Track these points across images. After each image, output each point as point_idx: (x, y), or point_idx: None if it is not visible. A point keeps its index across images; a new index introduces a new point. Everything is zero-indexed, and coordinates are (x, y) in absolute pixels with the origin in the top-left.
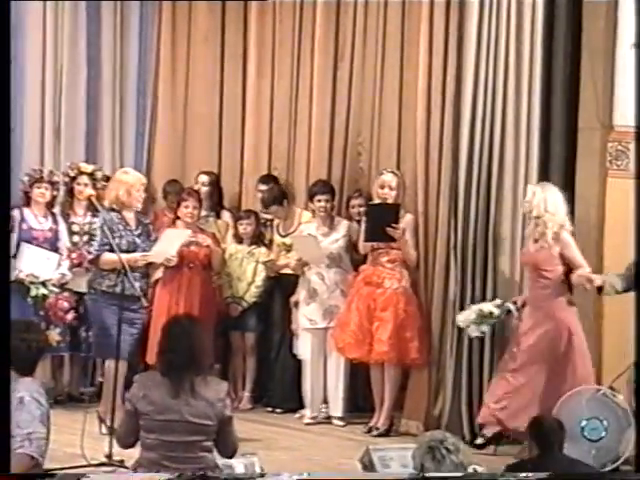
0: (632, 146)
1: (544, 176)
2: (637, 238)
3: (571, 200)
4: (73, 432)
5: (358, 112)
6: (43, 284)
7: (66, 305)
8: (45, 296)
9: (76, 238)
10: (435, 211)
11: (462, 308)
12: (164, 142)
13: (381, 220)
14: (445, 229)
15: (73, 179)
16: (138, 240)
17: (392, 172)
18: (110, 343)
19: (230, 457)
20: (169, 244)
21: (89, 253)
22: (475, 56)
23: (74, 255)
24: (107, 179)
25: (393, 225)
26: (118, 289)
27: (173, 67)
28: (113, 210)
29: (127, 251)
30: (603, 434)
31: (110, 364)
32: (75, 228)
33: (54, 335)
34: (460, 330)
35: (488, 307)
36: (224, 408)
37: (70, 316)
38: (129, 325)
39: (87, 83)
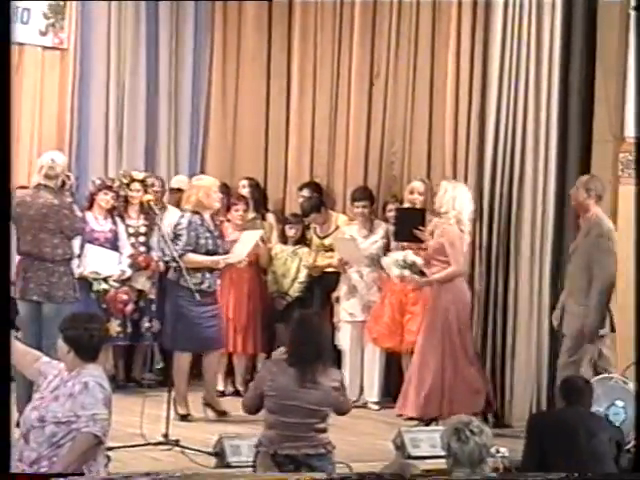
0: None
1: (560, 184)
2: (637, 243)
3: None
4: (133, 414)
5: (392, 124)
6: (105, 280)
7: (125, 298)
8: (106, 290)
9: (132, 239)
10: None
11: (487, 302)
12: (215, 151)
13: (408, 223)
14: (471, 231)
15: (127, 186)
16: (219, 241)
17: (421, 180)
18: (193, 336)
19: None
20: (244, 245)
21: (175, 250)
22: (498, 78)
23: (141, 258)
24: (162, 184)
25: (420, 227)
26: (204, 286)
27: (224, 84)
28: (195, 213)
29: (209, 251)
30: (624, 417)
31: (183, 356)
32: (130, 230)
33: (114, 326)
34: (485, 319)
35: (412, 257)
36: (339, 396)
37: (129, 308)
38: (209, 319)
39: (146, 99)
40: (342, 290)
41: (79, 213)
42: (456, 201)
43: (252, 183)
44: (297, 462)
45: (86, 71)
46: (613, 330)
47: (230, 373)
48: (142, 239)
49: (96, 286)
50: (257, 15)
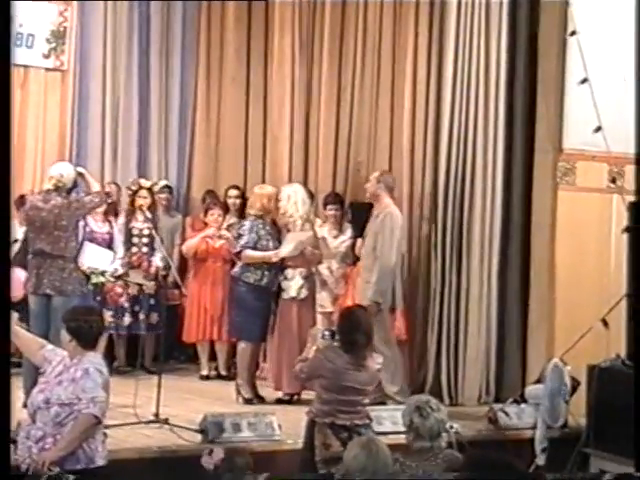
0: (578, 164)
1: (507, 188)
2: (630, 254)
3: (529, 206)
4: (128, 396)
5: (357, 138)
6: (102, 274)
7: (120, 291)
8: (103, 283)
9: (136, 240)
10: (419, 217)
11: (442, 296)
12: (201, 161)
13: (360, 216)
14: (426, 231)
15: (135, 192)
16: (278, 243)
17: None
18: (253, 328)
19: None
20: (294, 244)
21: (234, 248)
22: (451, 94)
23: (134, 258)
24: (170, 190)
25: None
26: (263, 282)
27: (208, 102)
28: (259, 217)
29: (268, 250)
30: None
31: (248, 345)
32: (135, 232)
33: (108, 317)
34: (441, 313)
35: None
36: (381, 376)
37: (123, 300)
38: (265, 312)
39: (139, 113)
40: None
41: (86, 197)
42: (298, 204)
43: (239, 193)
44: (348, 430)
45: (84, 90)
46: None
47: (213, 359)
48: (145, 240)
49: (94, 279)
50: (236, 38)
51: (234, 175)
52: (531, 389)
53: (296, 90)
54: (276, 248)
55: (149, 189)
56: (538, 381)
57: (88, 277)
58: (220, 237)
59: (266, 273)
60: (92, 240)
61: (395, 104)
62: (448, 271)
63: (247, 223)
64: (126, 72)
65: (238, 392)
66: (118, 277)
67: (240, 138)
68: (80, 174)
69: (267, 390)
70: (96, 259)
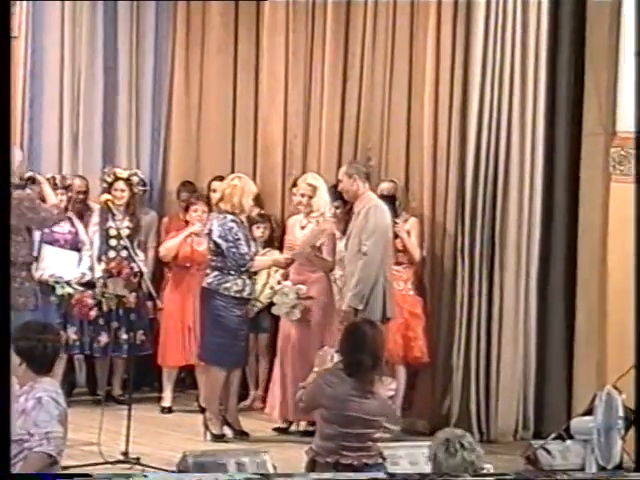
0: (634, 151)
1: (549, 180)
2: (637, 242)
3: (575, 203)
4: (91, 430)
5: (368, 119)
6: (68, 283)
7: (91, 302)
8: (70, 295)
9: (113, 242)
10: (443, 216)
11: (470, 309)
12: (179, 148)
13: None
14: (452, 233)
15: (110, 185)
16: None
17: (390, 180)
18: (231, 350)
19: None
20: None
21: (241, 256)
22: (481, 70)
23: (113, 264)
24: (144, 184)
25: (393, 220)
26: (245, 294)
27: (187, 76)
28: (234, 215)
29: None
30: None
31: (219, 371)
32: (112, 233)
33: (71, 334)
34: (469, 330)
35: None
36: (393, 405)
37: (93, 312)
38: (244, 330)
39: (104, 91)
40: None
41: (43, 203)
42: (321, 199)
43: None
44: (356, 471)
45: (38, 62)
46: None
47: (182, 386)
48: (124, 243)
49: (59, 290)
50: (224, 10)
51: (218, 165)
52: (579, 422)
53: (293, 62)
54: (253, 249)
55: (127, 180)
56: (587, 412)
57: (53, 288)
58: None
59: (247, 282)
60: (52, 242)
61: (413, 80)
62: (477, 280)
63: (234, 226)
64: (88, 37)
65: (206, 427)
66: (88, 285)
67: (226, 120)
68: (32, 179)
69: (260, 423)
70: (59, 265)
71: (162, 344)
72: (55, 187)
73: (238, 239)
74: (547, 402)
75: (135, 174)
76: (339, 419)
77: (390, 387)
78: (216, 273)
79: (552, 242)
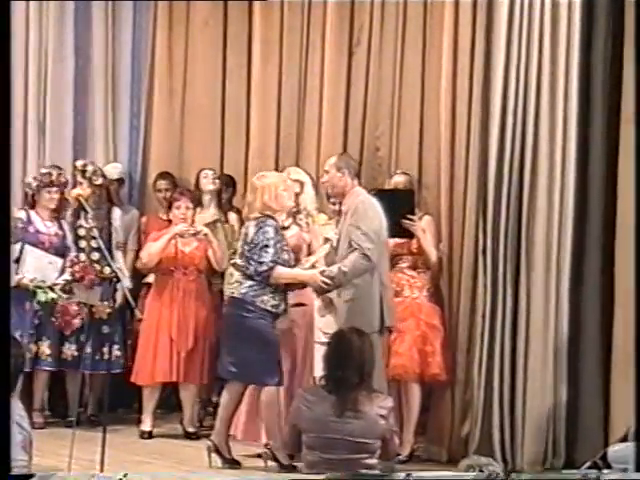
0: None
1: (583, 171)
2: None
3: (612, 201)
4: (60, 458)
5: (375, 103)
6: (51, 288)
7: (76, 310)
8: (54, 300)
9: (82, 243)
10: (462, 213)
11: (493, 319)
12: (161, 136)
13: (395, 211)
14: (473, 232)
15: (89, 179)
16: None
17: (403, 173)
18: (263, 368)
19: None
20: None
21: (260, 264)
22: (505, 52)
23: (77, 268)
24: (103, 176)
25: (409, 217)
26: (281, 308)
27: (170, 54)
28: (270, 218)
29: (287, 264)
30: None
31: (237, 388)
32: (81, 232)
33: (44, 348)
34: (492, 343)
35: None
36: (387, 426)
37: (77, 322)
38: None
39: (75, 72)
40: (315, 304)
41: None
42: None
43: (218, 175)
44: None
45: None
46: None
47: (176, 408)
48: (95, 244)
49: (42, 296)
50: None
51: (206, 156)
52: (616, 450)
53: (288, 37)
54: (290, 258)
55: (82, 172)
56: (625, 438)
57: (34, 293)
58: (195, 236)
59: (283, 296)
60: (36, 244)
61: (427, 60)
62: (501, 287)
63: (270, 229)
64: (57, 18)
65: (217, 452)
66: (70, 291)
67: (215, 105)
68: None
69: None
70: (41, 269)
71: (139, 359)
72: (50, 184)
73: (267, 246)
74: (580, 426)
75: (90, 163)
76: (319, 443)
77: (381, 404)
78: (249, 282)
79: (586, 244)
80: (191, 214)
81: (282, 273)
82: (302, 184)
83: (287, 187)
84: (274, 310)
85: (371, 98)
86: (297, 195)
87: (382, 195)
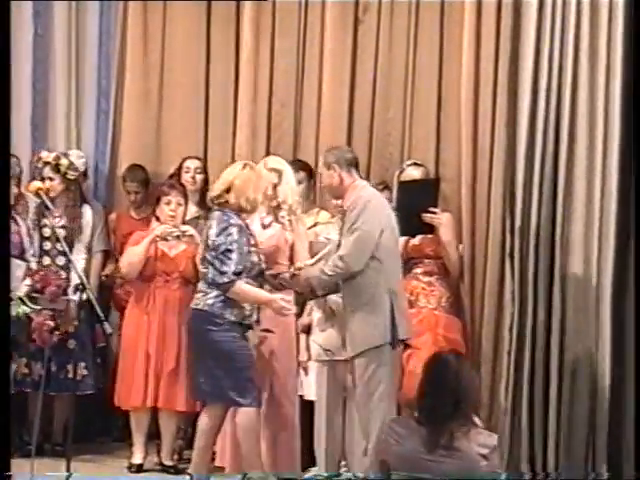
0: None
1: (627, 164)
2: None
3: None
4: None
5: (386, 81)
6: (22, 300)
7: (52, 324)
8: (27, 315)
9: (47, 245)
10: (486, 210)
11: (521, 333)
12: (133, 121)
13: (415, 204)
14: (499, 233)
15: (57, 171)
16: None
17: (418, 164)
18: (234, 386)
19: None
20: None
21: (221, 274)
22: (535, 22)
23: (37, 277)
24: (76, 169)
25: (431, 210)
26: (253, 318)
27: (145, 26)
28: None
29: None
30: None
31: (216, 411)
32: (46, 232)
33: (21, 366)
34: (520, 354)
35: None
36: (488, 468)
37: (54, 337)
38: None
39: (34, 43)
40: (314, 316)
41: None
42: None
43: (203, 166)
44: None
45: None
46: None
47: (154, 436)
48: (60, 247)
49: (17, 309)
50: None
51: (187, 145)
52: None
53: (283, 8)
54: (255, 267)
55: (55, 166)
56: None
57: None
58: (180, 238)
59: (254, 305)
60: None
61: (445, 36)
62: (531, 296)
63: (233, 230)
64: None
65: None
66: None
67: (197, 86)
68: None
69: None
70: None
71: (120, 380)
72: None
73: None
74: (621, 439)
75: (64, 156)
76: None
77: (482, 442)
78: (215, 293)
79: (628, 248)
80: (182, 212)
81: (243, 291)
82: (280, 173)
83: (259, 186)
84: (245, 322)
85: (380, 75)
86: (275, 186)
87: (406, 187)
